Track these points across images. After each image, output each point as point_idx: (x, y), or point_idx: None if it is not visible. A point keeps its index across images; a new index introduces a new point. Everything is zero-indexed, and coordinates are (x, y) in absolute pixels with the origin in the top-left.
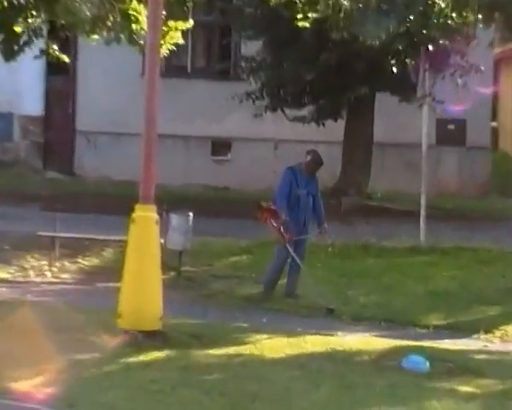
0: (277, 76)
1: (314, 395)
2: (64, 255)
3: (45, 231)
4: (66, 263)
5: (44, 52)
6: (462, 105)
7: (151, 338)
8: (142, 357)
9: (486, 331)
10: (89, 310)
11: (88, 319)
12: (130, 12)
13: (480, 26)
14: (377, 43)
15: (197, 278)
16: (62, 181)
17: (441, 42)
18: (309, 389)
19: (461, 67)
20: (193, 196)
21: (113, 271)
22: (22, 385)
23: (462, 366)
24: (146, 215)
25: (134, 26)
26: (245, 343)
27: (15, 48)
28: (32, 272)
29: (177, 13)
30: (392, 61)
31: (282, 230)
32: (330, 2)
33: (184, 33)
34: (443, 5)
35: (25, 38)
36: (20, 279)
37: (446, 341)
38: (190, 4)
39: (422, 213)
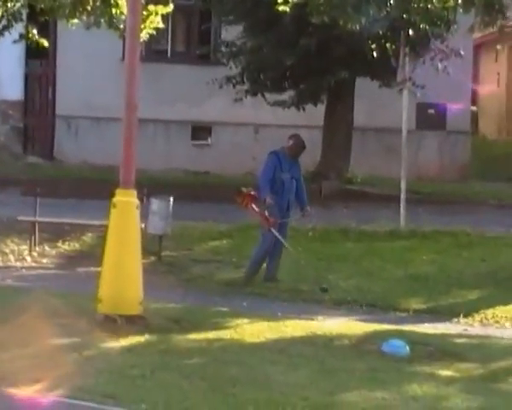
0: (257, 61)
1: (294, 379)
2: (44, 240)
3: (25, 216)
4: (47, 248)
5: (24, 36)
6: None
7: (131, 323)
8: (123, 342)
9: (466, 315)
10: (69, 295)
11: (68, 304)
12: None
13: (460, 10)
14: (357, 27)
15: (177, 263)
16: (42, 166)
17: (421, 26)
18: (289, 373)
19: (441, 52)
20: (173, 181)
21: (94, 255)
22: (1, 371)
23: (443, 349)
24: (126, 200)
25: (114, 10)
26: (225, 328)
27: None
28: (11, 257)
29: None
30: (373, 46)
31: (265, 214)
32: None
33: (164, 18)
34: None
35: (4, 22)
36: (0, 264)
37: (426, 325)
38: None
39: (402, 197)
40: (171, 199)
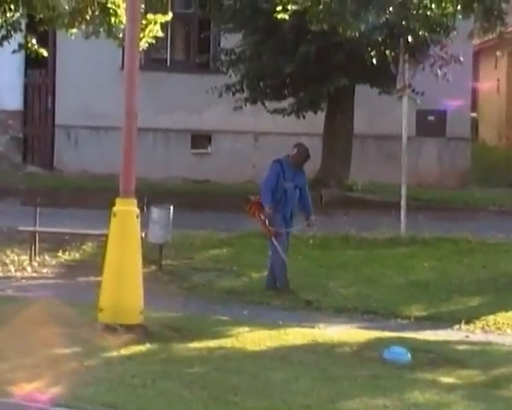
0: (257, 68)
1: (296, 387)
2: (44, 250)
3: (25, 226)
4: (47, 258)
5: (23, 46)
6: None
7: (132, 332)
8: (123, 351)
9: (467, 322)
10: (69, 304)
11: (68, 314)
12: (109, 5)
13: (460, 17)
14: (357, 34)
15: (178, 272)
16: (42, 175)
17: (421, 33)
18: (290, 381)
19: (440, 59)
20: (173, 190)
21: (94, 265)
22: (2, 380)
23: (444, 356)
24: (127, 209)
25: (113, 19)
26: (226, 336)
27: None
28: (12, 267)
29: (155, 5)
30: (372, 53)
31: (266, 223)
32: None
33: (163, 26)
34: None
35: (3, 32)
36: (0, 274)
37: (428, 332)
38: None
39: (403, 204)
40: (172, 208)
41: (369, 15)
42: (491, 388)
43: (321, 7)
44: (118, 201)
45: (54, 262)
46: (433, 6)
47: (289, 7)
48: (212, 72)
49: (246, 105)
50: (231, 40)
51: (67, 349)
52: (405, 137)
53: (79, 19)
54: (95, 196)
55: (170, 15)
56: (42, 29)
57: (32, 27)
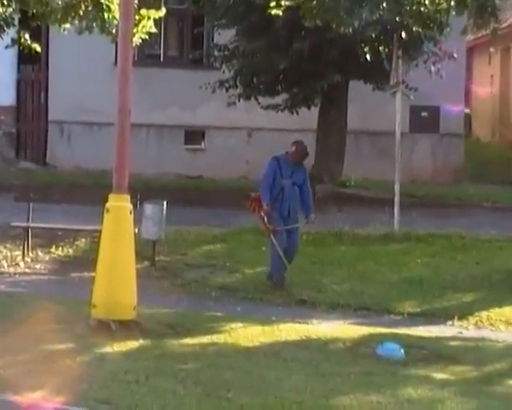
0: (250, 64)
1: (289, 383)
2: (37, 246)
3: (18, 222)
4: (40, 253)
5: (16, 41)
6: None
7: (125, 328)
8: (117, 347)
9: (461, 318)
10: (62, 300)
11: (62, 310)
12: (102, 0)
13: (453, 13)
14: (350, 30)
15: (171, 268)
16: (35, 171)
17: (414, 29)
18: (284, 377)
19: (434, 55)
20: (166, 186)
21: (87, 261)
22: None
23: (437, 352)
24: (120, 205)
25: (106, 14)
26: (219, 332)
27: None
28: (5, 263)
29: (149, 1)
30: (366, 49)
31: (265, 220)
32: None
33: (157, 22)
34: None
35: None
36: None
37: (421, 328)
38: None
39: (396, 200)
40: (165, 203)
41: (363, 11)
42: (484, 384)
43: (314, 3)
44: (111, 196)
45: (47, 258)
46: (427, 2)
47: (283, 3)
48: (206, 68)
49: (239, 101)
50: (225, 36)
51: (60, 345)
52: (399, 133)
53: (72, 14)
54: (88, 191)
55: (163, 11)
56: (35, 24)
57: (24, 23)
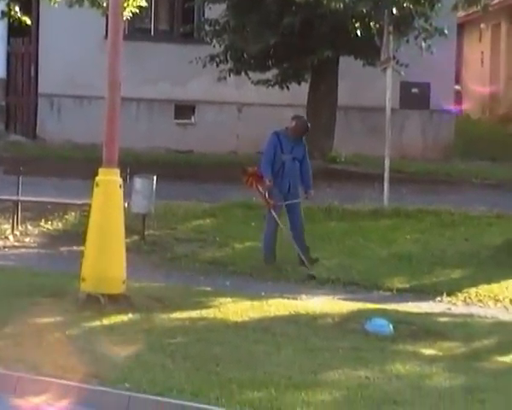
0: (241, 39)
1: (277, 357)
2: (27, 219)
3: (8, 195)
4: (29, 227)
5: (6, 14)
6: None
7: (114, 302)
8: (106, 320)
9: (449, 294)
10: (52, 274)
11: (51, 283)
12: None
13: None
14: (341, 6)
15: (160, 242)
16: (25, 144)
17: (405, 5)
18: (272, 352)
19: (425, 31)
20: (156, 160)
21: (77, 234)
22: None
23: (426, 328)
24: (109, 179)
25: None
26: (208, 307)
27: None
28: None
29: None
30: (356, 25)
31: (266, 195)
32: None
33: None
34: None
35: None
36: None
37: (410, 304)
38: None
39: (386, 176)
40: (155, 178)
41: None
42: (472, 360)
43: None
44: (101, 170)
45: (36, 232)
46: None
47: None
48: (196, 42)
49: (230, 76)
50: (215, 10)
51: (49, 319)
52: (389, 109)
53: None
54: (78, 165)
55: None
56: None
57: None
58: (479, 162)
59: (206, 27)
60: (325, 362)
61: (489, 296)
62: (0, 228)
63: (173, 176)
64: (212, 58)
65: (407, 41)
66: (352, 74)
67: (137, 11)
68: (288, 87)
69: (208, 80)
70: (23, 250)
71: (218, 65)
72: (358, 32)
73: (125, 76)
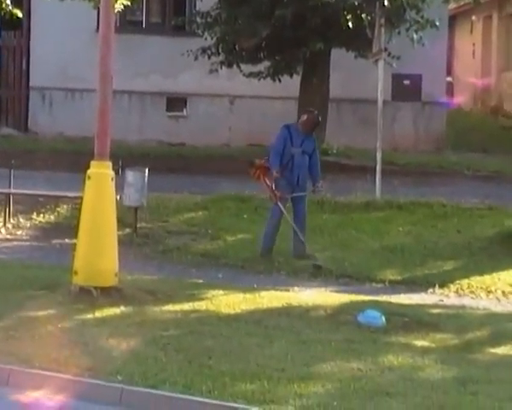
0: (232, 31)
1: (270, 350)
2: (19, 212)
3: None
4: (21, 220)
5: None
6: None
7: (107, 294)
8: (98, 313)
9: (442, 286)
10: (44, 267)
11: (43, 276)
12: None
13: None
14: None
15: (153, 235)
16: (17, 138)
17: None
18: (265, 344)
19: (416, 23)
20: (148, 153)
21: (69, 227)
22: None
23: (418, 320)
24: (101, 172)
25: None
26: (200, 299)
27: None
28: None
29: None
30: (348, 17)
31: (273, 188)
32: None
33: None
34: None
35: None
36: None
37: (402, 295)
38: None
39: (378, 168)
40: (147, 171)
41: None
42: (464, 351)
43: None
44: (92, 163)
45: (28, 224)
46: None
47: None
48: (188, 34)
49: (221, 68)
50: (207, 3)
51: (42, 312)
52: (381, 101)
53: None
54: (69, 158)
55: None
56: None
57: None
58: (471, 154)
59: (198, 20)
60: (318, 354)
61: (481, 288)
62: None
63: (165, 169)
64: (203, 50)
65: (398, 33)
66: (343, 66)
67: (129, 4)
68: (279, 79)
69: (200, 73)
70: (15, 243)
71: (209, 57)
72: (350, 24)
73: (117, 69)
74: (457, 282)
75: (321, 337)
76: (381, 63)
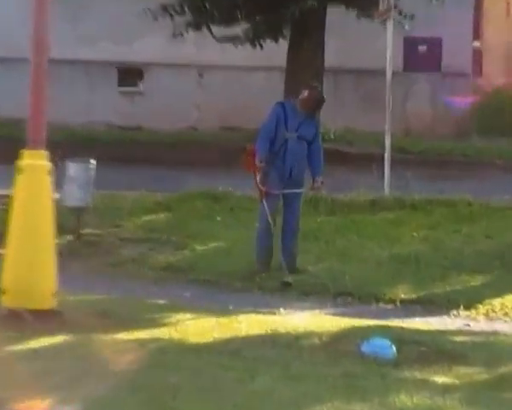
0: None
1: (250, 387)
2: None
3: None
4: None
5: None
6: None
7: (43, 319)
8: (32, 343)
9: (467, 306)
10: None
11: None
12: None
13: None
14: None
15: (101, 243)
16: None
17: None
18: (244, 380)
19: None
20: (96, 139)
21: None
22: None
23: (438, 350)
24: (35, 163)
25: None
26: (163, 325)
27: None
28: None
29: None
30: None
31: (258, 181)
32: None
33: None
34: None
35: None
36: None
37: (417, 319)
38: None
39: (386, 157)
40: (94, 162)
41: None
42: (495, 389)
43: None
44: (24, 153)
45: None
46: None
47: None
48: None
49: (187, 32)
50: None
51: None
52: (390, 72)
53: None
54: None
55: None
56: None
57: None
58: (502, 140)
59: None
60: (311, 393)
61: None
62: None
63: (117, 159)
64: (164, 9)
65: None
66: (342, 29)
67: None
68: (261, 45)
69: (160, 37)
70: None
71: (172, 17)
72: None
73: (56, 33)
74: (487, 301)
75: (315, 372)
76: (390, 24)
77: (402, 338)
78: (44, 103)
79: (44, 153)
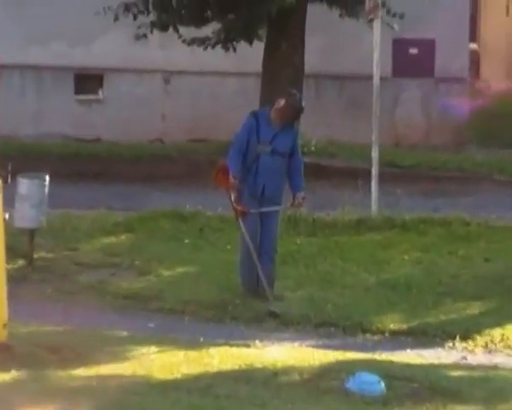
0: None
1: None
2: None
3: None
4: None
5: None
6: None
7: None
8: None
9: (464, 337)
10: None
11: None
12: None
13: None
14: None
15: (56, 268)
16: None
17: None
18: None
19: None
20: (50, 152)
21: None
22: None
23: (431, 386)
24: None
25: None
26: (125, 359)
27: None
28: None
29: None
30: None
31: (232, 200)
32: None
33: None
34: None
35: None
36: None
37: (409, 351)
38: None
39: (374, 172)
40: (47, 178)
41: None
42: None
43: None
44: None
45: None
46: None
47: None
48: None
49: (152, 32)
50: None
51: None
52: (377, 77)
53: None
54: None
55: None
56: None
57: None
58: (502, 151)
59: None
60: None
61: None
62: None
63: (74, 175)
64: (127, 8)
65: None
66: (325, 29)
67: None
68: (234, 48)
69: (122, 39)
70: None
71: (135, 17)
72: None
73: (3, 34)
74: (487, 332)
75: None
76: (377, 24)
77: (391, 373)
78: None
79: None
